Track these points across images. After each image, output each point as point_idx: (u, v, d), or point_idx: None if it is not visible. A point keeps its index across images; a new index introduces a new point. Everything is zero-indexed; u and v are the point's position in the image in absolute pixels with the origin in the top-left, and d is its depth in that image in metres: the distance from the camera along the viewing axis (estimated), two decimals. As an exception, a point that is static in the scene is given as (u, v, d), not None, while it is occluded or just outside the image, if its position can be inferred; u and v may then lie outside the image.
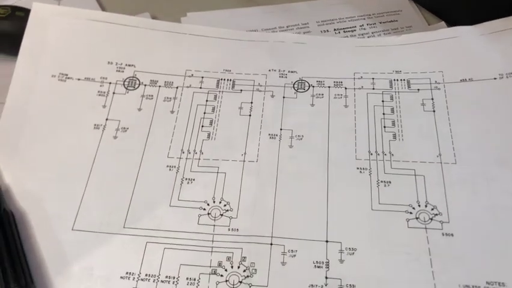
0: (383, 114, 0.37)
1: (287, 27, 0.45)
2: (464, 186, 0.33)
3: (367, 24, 0.46)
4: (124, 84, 0.39)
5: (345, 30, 0.45)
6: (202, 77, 0.40)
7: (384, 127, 0.36)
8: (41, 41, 0.40)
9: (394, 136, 0.36)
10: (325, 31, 0.45)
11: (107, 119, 0.38)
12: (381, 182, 0.34)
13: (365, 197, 0.33)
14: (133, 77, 0.40)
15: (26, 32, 0.40)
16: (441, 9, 0.46)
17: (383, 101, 0.38)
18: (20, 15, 0.41)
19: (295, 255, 0.31)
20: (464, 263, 0.30)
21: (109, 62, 0.40)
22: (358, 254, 0.31)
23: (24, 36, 0.40)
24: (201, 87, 0.39)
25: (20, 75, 0.39)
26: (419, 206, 0.32)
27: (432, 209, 0.32)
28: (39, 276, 0.31)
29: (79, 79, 0.39)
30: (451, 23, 0.44)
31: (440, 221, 0.32)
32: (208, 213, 0.33)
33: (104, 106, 0.38)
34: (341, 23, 0.46)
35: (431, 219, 0.32)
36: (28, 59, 0.39)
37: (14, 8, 0.41)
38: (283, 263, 0.31)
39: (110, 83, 0.39)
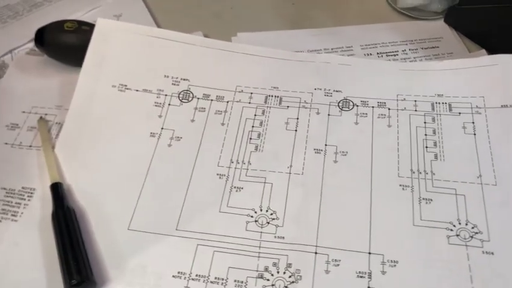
0: (425, 135, 0.38)
1: (332, 49, 0.48)
2: (504, 207, 0.34)
3: (409, 50, 0.47)
4: (178, 97, 0.42)
5: (388, 54, 0.47)
6: (251, 93, 0.42)
7: (426, 147, 0.38)
8: (103, 53, 0.43)
9: (435, 156, 0.37)
10: (368, 54, 0.47)
11: (162, 128, 0.40)
12: (423, 199, 0.35)
13: (407, 213, 0.35)
14: (187, 90, 0.42)
15: (91, 45, 0.43)
16: (482, 38, 0.47)
17: (425, 123, 0.39)
18: (86, 29, 0.44)
19: (338, 265, 0.33)
20: (504, 282, 0.31)
21: (165, 76, 0.43)
22: (400, 266, 0.32)
23: (88, 49, 0.43)
24: (249, 102, 0.42)
25: (84, 84, 0.42)
26: (460, 224, 0.34)
27: (472, 228, 0.33)
28: (97, 270, 0.33)
29: (137, 90, 0.42)
30: (491, 51, 0.46)
31: (480, 239, 0.33)
32: (256, 221, 0.35)
33: (160, 116, 0.41)
34: (383, 47, 0.48)
35: (472, 237, 0.33)
36: (91, 70, 0.42)
37: (80, 23, 0.45)
38: (327, 271, 0.33)
39: (166, 95, 0.42)
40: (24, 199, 0.37)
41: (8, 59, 0.48)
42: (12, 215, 0.36)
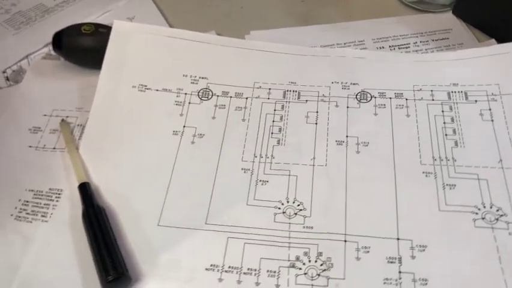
0: (444, 123, 0.39)
1: (344, 44, 0.48)
2: (527, 189, 0.35)
3: (420, 42, 0.48)
4: (198, 95, 0.42)
5: (400, 47, 0.48)
6: (270, 89, 0.43)
7: (446, 135, 0.38)
8: (122, 55, 0.44)
9: (456, 143, 0.38)
10: (380, 47, 0.48)
11: (184, 126, 0.41)
12: (447, 185, 0.36)
13: (432, 199, 0.35)
14: (206, 88, 0.43)
15: (109, 47, 0.44)
16: (491, 28, 0.48)
17: (442, 111, 0.40)
18: (103, 32, 0.45)
19: (368, 251, 0.33)
20: (531, 261, 0.32)
21: (184, 75, 0.43)
22: (429, 250, 0.33)
23: (107, 51, 0.43)
24: (268, 98, 0.42)
25: (104, 85, 0.42)
26: (484, 207, 0.34)
27: (497, 210, 0.34)
28: (130, 267, 0.33)
29: (157, 90, 0.43)
30: (501, 40, 0.47)
31: (506, 222, 0.34)
32: (283, 212, 0.36)
33: (181, 114, 0.41)
34: (395, 40, 0.48)
35: (497, 219, 0.34)
36: (111, 71, 0.43)
37: (97, 25, 0.45)
38: (357, 258, 0.33)
39: (186, 93, 0.42)
40: (53, 200, 0.37)
41: (24, 64, 0.48)
42: (42, 216, 0.37)
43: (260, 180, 0.38)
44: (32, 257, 0.34)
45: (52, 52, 0.47)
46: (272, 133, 0.40)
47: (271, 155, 0.39)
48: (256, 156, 0.39)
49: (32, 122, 0.43)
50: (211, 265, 0.34)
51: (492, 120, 0.39)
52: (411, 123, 0.40)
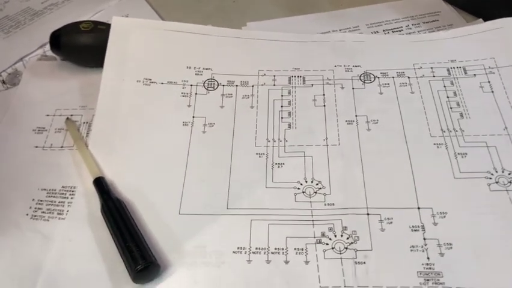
0: (447, 97, 0.41)
1: (340, 30, 0.49)
2: (535, 151, 0.36)
3: (412, 25, 0.50)
4: (204, 86, 0.43)
5: (394, 30, 0.49)
6: (274, 76, 0.43)
7: (451, 108, 0.40)
8: (123, 50, 0.43)
9: (461, 115, 0.39)
10: (375, 32, 0.49)
11: (193, 117, 0.41)
12: (458, 154, 0.37)
13: (447, 168, 0.36)
14: (211, 79, 0.43)
15: (109, 43, 0.43)
16: (477, 8, 0.50)
17: (444, 86, 0.41)
18: (102, 29, 0.44)
19: (392, 222, 0.34)
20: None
21: (187, 67, 0.43)
22: (449, 217, 0.34)
23: (107, 48, 0.43)
24: (274, 85, 0.43)
25: (108, 82, 0.42)
26: (497, 172, 0.36)
27: (509, 174, 0.35)
28: (157, 256, 0.33)
29: (162, 83, 0.42)
30: (487, 19, 0.48)
31: (519, 183, 0.35)
32: (303, 192, 0.36)
33: (189, 105, 0.41)
34: (388, 25, 0.50)
35: (510, 182, 0.35)
36: (114, 68, 0.43)
37: (96, 22, 0.45)
38: (382, 230, 0.34)
39: (191, 85, 0.42)
40: (67, 197, 0.37)
41: (20, 66, 0.47)
42: (59, 214, 0.36)
43: (276, 163, 0.38)
44: (54, 255, 0.33)
45: (48, 53, 0.47)
46: (282, 117, 0.41)
47: (284, 139, 0.39)
48: (269, 141, 0.39)
49: (36, 122, 0.42)
50: (238, 248, 0.34)
51: (492, 92, 0.40)
52: (417, 99, 0.41)
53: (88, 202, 0.36)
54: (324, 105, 0.41)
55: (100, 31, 0.44)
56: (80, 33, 0.44)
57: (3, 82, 0.46)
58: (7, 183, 0.38)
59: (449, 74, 0.42)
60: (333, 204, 0.35)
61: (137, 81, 0.42)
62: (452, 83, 0.41)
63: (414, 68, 0.43)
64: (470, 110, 0.40)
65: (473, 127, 0.38)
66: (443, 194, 0.35)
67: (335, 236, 0.34)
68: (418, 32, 0.49)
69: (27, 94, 0.44)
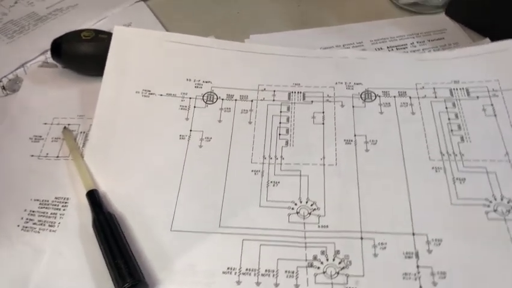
0: (449, 119, 0.40)
1: (343, 45, 0.49)
2: (536, 180, 0.36)
3: (417, 42, 0.49)
4: (203, 99, 0.42)
5: (398, 47, 0.49)
6: (274, 91, 0.43)
7: (452, 131, 0.39)
8: (124, 60, 0.43)
9: (462, 138, 0.39)
10: (379, 49, 0.48)
11: (191, 130, 0.40)
12: (457, 179, 0.36)
13: (444, 193, 0.36)
14: (210, 92, 0.43)
15: (110, 52, 0.43)
16: (484, 28, 0.49)
17: (446, 108, 0.41)
18: (103, 37, 0.44)
19: (385, 248, 0.33)
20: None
21: (187, 79, 0.43)
22: (444, 244, 0.33)
23: (108, 57, 0.43)
24: (274, 100, 0.42)
25: (106, 91, 0.42)
26: (495, 199, 0.35)
27: (508, 202, 0.35)
28: (146, 274, 0.33)
29: (161, 95, 0.42)
30: (494, 39, 0.48)
31: (517, 213, 0.34)
32: (297, 212, 0.36)
33: (187, 119, 0.41)
34: (392, 41, 0.49)
35: (509, 211, 0.34)
36: (113, 77, 0.42)
37: (97, 31, 0.45)
38: (375, 255, 0.33)
39: (190, 97, 0.42)
40: (59, 209, 0.37)
41: (20, 72, 0.47)
42: (50, 226, 0.36)
43: (271, 182, 0.37)
44: (43, 268, 0.33)
45: (49, 60, 0.47)
46: (280, 134, 0.40)
47: (281, 156, 0.39)
48: (265, 158, 0.39)
49: (33, 130, 0.42)
50: (228, 268, 0.33)
51: (495, 115, 0.40)
52: (417, 120, 0.40)
53: (80, 215, 0.36)
54: (323, 123, 0.41)
55: (101, 40, 0.44)
56: (81, 41, 0.44)
57: (3, 88, 0.46)
58: (0, 192, 0.37)
59: (452, 95, 0.41)
60: (327, 226, 0.35)
61: (136, 92, 0.42)
62: (454, 105, 0.41)
63: (417, 88, 0.42)
64: (471, 133, 0.39)
65: (473, 151, 0.38)
66: (439, 221, 0.34)
67: (327, 259, 0.33)
68: (423, 49, 0.48)
69: (26, 101, 0.44)
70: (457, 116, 0.40)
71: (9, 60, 0.48)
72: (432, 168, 0.37)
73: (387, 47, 0.49)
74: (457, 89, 0.42)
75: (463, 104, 0.41)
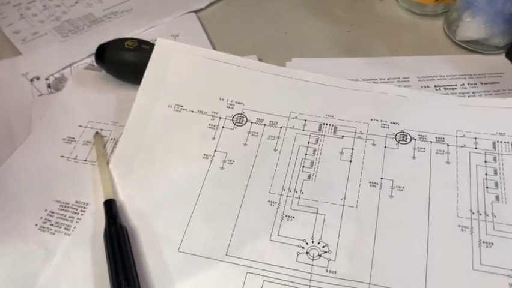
0: (486, 174, 0.37)
1: (388, 79, 0.47)
2: None
3: (468, 84, 0.46)
4: (232, 120, 0.42)
5: (446, 87, 0.46)
6: (305, 120, 0.42)
7: (487, 187, 0.36)
8: (161, 73, 0.44)
9: (497, 198, 0.36)
10: (425, 86, 0.46)
11: (215, 151, 0.40)
12: (483, 242, 0.34)
13: (466, 256, 0.33)
14: (241, 114, 0.42)
15: (150, 64, 0.44)
16: (546, 75, 0.46)
17: (485, 162, 0.38)
18: (145, 48, 0.45)
19: (393, 305, 0.32)
20: None
21: (220, 98, 0.43)
22: (457, 312, 0.31)
23: (147, 68, 0.44)
24: (303, 130, 0.41)
25: (141, 102, 0.43)
26: (524, 272, 0.32)
27: (537, 277, 0.32)
28: (146, 292, 0.33)
29: (192, 111, 0.42)
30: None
31: (545, 291, 0.31)
32: (307, 252, 0.35)
33: (213, 138, 0.41)
34: (441, 80, 0.47)
35: (536, 287, 0.31)
36: (149, 89, 0.43)
37: (140, 41, 0.46)
38: (380, 311, 0.31)
39: (220, 117, 0.42)
40: (78, 213, 0.38)
41: (67, 72, 0.49)
42: (65, 229, 0.37)
43: (286, 216, 0.37)
44: (51, 270, 0.34)
45: (94, 63, 0.48)
46: (303, 166, 0.39)
47: (300, 190, 0.38)
48: (284, 190, 0.38)
49: (67, 131, 0.43)
50: (228, 299, 0.33)
51: (539, 177, 0.36)
52: (451, 171, 0.38)
53: (95, 222, 0.37)
54: (350, 161, 0.39)
55: (143, 50, 0.45)
56: (124, 50, 0.45)
57: (49, 86, 0.48)
58: (27, 188, 0.39)
59: (494, 148, 0.39)
60: (335, 272, 0.34)
61: (169, 106, 0.43)
62: (495, 159, 0.38)
63: (457, 136, 0.40)
64: (508, 194, 0.36)
65: (507, 214, 0.35)
66: (456, 285, 0.32)
67: (329, 308, 0.32)
68: (473, 93, 0.45)
69: (66, 101, 0.46)
70: (495, 172, 0.37)
71: (59, 59, 0.50)
72: (459, 226, 0.35)
73: (435, 86, 0.46)
74: (501, 142, 0.39)
75: (505, 160, 0.38)
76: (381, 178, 0.38)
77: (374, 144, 0.40)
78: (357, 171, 0.38)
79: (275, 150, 0.40)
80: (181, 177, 0.39)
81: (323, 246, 0.35)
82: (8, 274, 0.34)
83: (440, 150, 0.39)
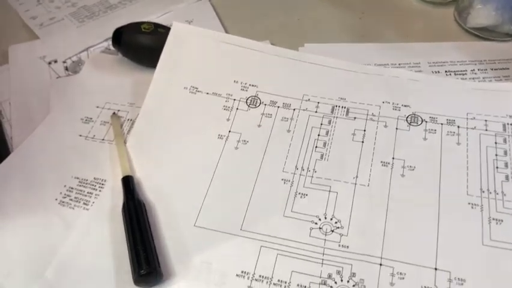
0: (496, 155, 0.38)
1: (399, 64, 0.47)
2: None
3: (478, 70, 0.47)
4: (246, 102, 0.43)
5: (456, 73, 0.47)
6: (318, 102, 0.43)
7: (497, 167, 0.37)
8: (177, 56, 0.45)
9: (506, 177, 0.36)
10: (436, 72, 0.47)
11: (230, 131, 0.41)
12: (493, 219, 0.34)
13: (476, 232, 0.34)
14: (255, 96, 0.43)
15: (165, 47, 0.45)
16: (556, 62, 0.46)
17: (495, 143, 0.38)
18: (161, 32, 0.46)
19: (403, 278, 0.32)
20: None
21: (235, 81, 0.44)
22: (467, 285, 0.32)
23: (163, 51, 0.45)
24: (316, 111, 0.42)
25: (157, 84, 0.44)
26: (533, 247, 0.33)
27: (546, 252, 0.32)
28: (163, 263, 0.34)
29: (207, 93, 0.43)
30: None
31: (554, 265, 0.32)
32: (320, 228, 0.35)
33: (228, 119, 0.42)
34: (452, 66, 0.47)
35: (545, 262, 0.32)
36: (165, 71, 0.44)
37: (157, 25, 0.47)
38: (391, 284, 0.32)
39: (234, 99, 0.43)
40: (96, 189, 0.39)
41: (84, 56, 0.50)
42: (84, 204, 0.38)
43: (299, 193, 0.37)
44: (70, 243, 0.35)
45: (111, 47, 0.49)
46: (316, 147, 0.40)
47: (313, 169, 0.39)
48: (297, 169, 0.39)
49: (85, 112, 0.44)
50: (242, 272, 0.34)
51: (549, 158, 0.37)
52: (461, 151, 0.38)
53: (114, 198, 0.38)
54: (363, 142, 0.40)
55: (159, 34, 0.46)
56: (141, 33, 0.46)
57: (66, 69, 0.49)
58: (46, 165, 0.40)
59: (505, 130, 0.39)
60: (348, 246, 0.34)
61: (185, 88, 0.44)
62: (505, 141, 0.39)
63: (467, 118, 0.40)
64: (518, 173, 0.37)
65: (517, 193, 0.36)
66: (466, 259, 0.33)
67: (341, 280, 0.33)
68: (483, 78, 0.46)
69: (84, 83, 0.47)
70: (505, 153, 0.38)
71: (76, 43, 0.51)
72: (469, 203, 0.35)
73: (445, 71, 0.47)
74: (510, 124, 0.39)
75: (515, 141, 0.38)
76: (393, 158, 0.38)
77: (385, 126, 0.41)
78: (369, 151, 0.39)
79: (288, 131, 0.41)
80: (197, 156, 0.40)
81: (336, 222, 0.36)
82: (29, 243, 0.35)
83: (450, 132, 0.40)
